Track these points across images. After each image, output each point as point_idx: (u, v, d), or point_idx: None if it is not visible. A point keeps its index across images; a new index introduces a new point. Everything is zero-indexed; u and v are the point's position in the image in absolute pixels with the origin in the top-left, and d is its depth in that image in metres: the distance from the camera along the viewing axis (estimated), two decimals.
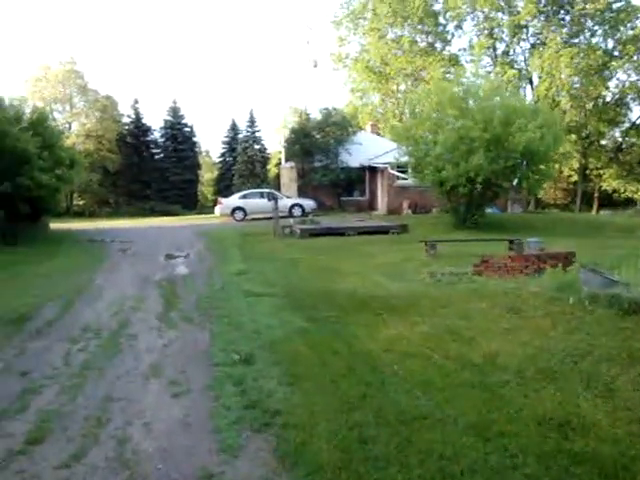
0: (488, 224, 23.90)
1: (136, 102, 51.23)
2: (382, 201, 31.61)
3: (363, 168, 33.63)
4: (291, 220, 23.77)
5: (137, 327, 7.84)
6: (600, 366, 5.60)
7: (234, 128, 54.75)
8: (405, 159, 25.08)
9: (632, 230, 25.31)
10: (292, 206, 28.71)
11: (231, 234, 21.76)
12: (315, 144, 33.23)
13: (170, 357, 6.45)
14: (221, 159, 56.10)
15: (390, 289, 10.02)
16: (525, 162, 22.07)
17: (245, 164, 49.11)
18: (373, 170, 32.92)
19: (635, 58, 44.22)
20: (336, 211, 32.00)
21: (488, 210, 25.62)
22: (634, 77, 46.32)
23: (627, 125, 48.01)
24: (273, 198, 21.35)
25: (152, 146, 52.38)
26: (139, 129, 51.03)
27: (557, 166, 23.67)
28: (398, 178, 30.32)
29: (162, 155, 51.87)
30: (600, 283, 8.44)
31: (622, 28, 44.85)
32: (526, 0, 44.06)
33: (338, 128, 32.99)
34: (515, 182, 23.66)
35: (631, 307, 7.33)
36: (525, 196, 30.61)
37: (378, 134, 39.89)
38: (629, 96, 46.82)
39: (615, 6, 44.12)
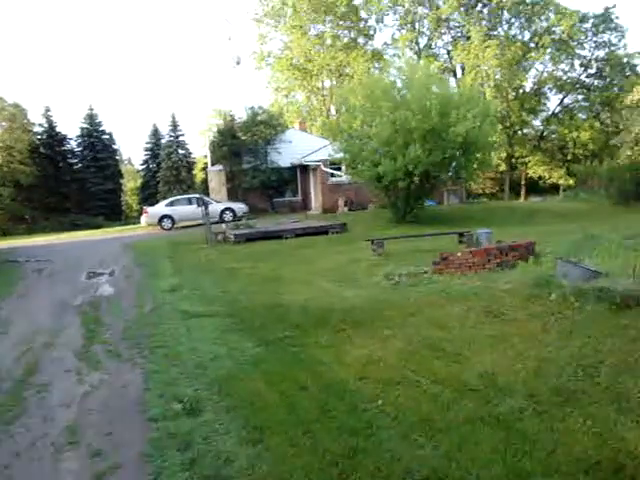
0: (428, 217, 23.34)
1: (48, 110, 47.96)
2: (316, 200, 30.60)
3: (294, 167, 32.48)
4: (223, 225, 22.32)
5: (50, 371, 6.35)
6: (622, 378, 4.67)
7: (156, 133, 52.32)
8: (339, 155, 24.12)
9: (566, 215, 25.45)
10: (223, 211, 27.21)
11: (160, 244, 20.08)
12: (243, 145, 31.79)
13: (92, 413, 5.05)
14: (144, 166, 53.48)
15: (346, 298, 8.92)
16: (463, 152, 21.55)
17: (170, 170, 46.94)
18: (305, 169, 31.86)
19: (549, 50, 45.36)
20: (269, 213, 30.71)
21: (426, 203, 25.07)
22: (550, 67, 47.67)
23: (548, 114, 49.11)
24: (203, 203, 19.85)
25: (69, 156, 49.17)
26: (53, 138, 47.75)
27: (493, 155, 23.29)
28: (332, 175, 29.38)
29: (80, 165, 48.79)
30: (580, 275, 7.65)
31: (537, 20, 45.89)
32: None
33: (266, 127, 31.63)
34: (453, 173, 23.14)
35: (623, 301, 6.54)
36: (461, 187, 30.37)
37: (307, 132, 38.84)
38: (547, 86, 47.97)
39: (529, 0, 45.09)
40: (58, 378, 6.06)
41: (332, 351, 6.24)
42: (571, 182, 47.92)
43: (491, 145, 22.82)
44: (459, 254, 10.39)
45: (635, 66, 46.14)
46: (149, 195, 47.70)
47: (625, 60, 45.22)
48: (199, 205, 20.18)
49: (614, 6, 44.33)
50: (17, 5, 79.22)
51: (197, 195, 28.49)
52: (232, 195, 31.74)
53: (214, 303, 9.15)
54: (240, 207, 28.20)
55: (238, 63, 31.95)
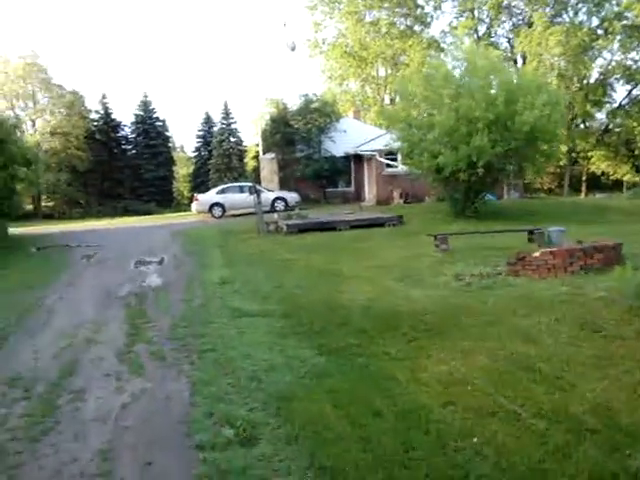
0: (488, 212, 22.04)
1: (104, 97, 48.49)
2: (370, 191, 29.63)
3: (348, 157, 31.60)
4: (275, 215, 21.64)
5: (87, 374, 5.71)
6: None
7: (208, 121, 52.26)
8: (397, 145, 23.07)
9: (637, 213, 23.75)
10: (275, 200, 26.62)
11: (210, 233, 19.58)
12: (296, 133, 31.07)
13: (130, 432, 4.34)
14: (196, 154, 53.58)
15: (413, 299, 8.01)
16: (528, 143, 20.18)
17: (221, 158, 46.83)
18: (359, 159, 30.90)
19: (619, 37, 42.79)
20: (321, 203, 29.93)
21: (486, 197, 23.78)
22: (618, 56, 45.04)
23: (614, 106, 46.48)
24: (255, 192, 19.20)
25: (123, 142, 49.68)
26: (109, 125, 48.27)
27: (560, 147, 21.84)
28: (388, 166, 28.36)
29: (134, 151, 49.22)
30: None
31: (607, 5, 43.33)
32: None
33: (320, 115, 30.81)
34: (517, 165, 21.79)
35: None
36: (522, 181, 28.88)
37: (361, 121, 37.84)
38: (614, 76, 45.32)
39: None
40: (96, 383, 5.41)
41: (406, 365, 5.38)
42: (637, 179, 45.48)
43: (560, 137, 21.33)
44: (537, 254, 9.32)
45: None
46: (200, 182, 47.70)
47: None
48: (251, 193, 19.56)
49: None
50: None
51: (249, 183, 27.98)
52: (284, 184, 31.11)
53: (268, 300, 8.39)
54: (292, 196, 27.55)
55: (293, 49, 31.17)
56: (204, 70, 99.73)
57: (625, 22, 42.11)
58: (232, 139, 48.30)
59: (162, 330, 7.13)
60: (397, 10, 46.12)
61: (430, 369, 5.26)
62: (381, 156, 28.12)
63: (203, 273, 11.43)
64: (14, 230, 23.37)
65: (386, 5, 45.29)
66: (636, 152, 46.42)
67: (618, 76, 44.85)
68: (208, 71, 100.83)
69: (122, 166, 47.40)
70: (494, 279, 9.02)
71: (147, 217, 32.93)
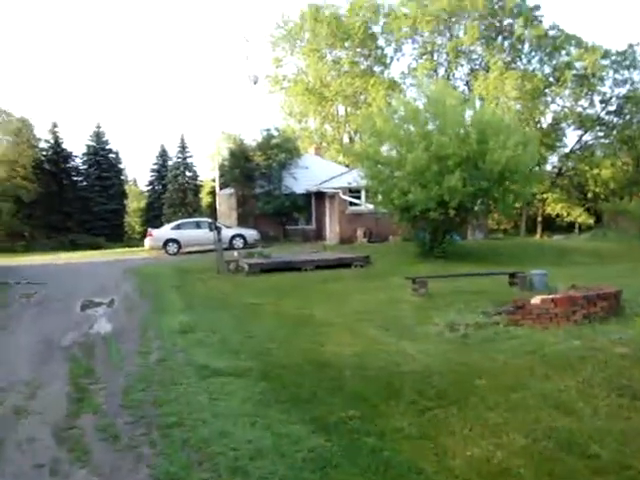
0: (456, 253, 21.40)
1: (55, 126, 46.48)
2: (332, 230, 28.73)
3: (309, 194, 30.72)
4: (235, 253, 20.41)
5: (14, 463, 4.37)
6: None
7: (163, 155, 50.81)
8: (363, 183, 22.36)
9: (602, 255, 23.65)
10: (233, 237, 25.41)
11: (166, 271, 18.18)
12: (256, 169, 30.09)
13: None
14: (149, 187, 51.88)
15: (408, 354, 6.97)
16: (499, 183, 19.75)
17: (176, 192, 45.37)
18: (321, 196, 30.05)
19: (569, 85, 44.07)
20: (281, 241, 28.81)
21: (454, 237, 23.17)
22: (569, 103, 46.37)
23: (566, 150, 47.59)
24: (216, 228, 17.98)
25: (73, 173, 47.56)
26: (59, 155, 46.18)
27: (531, 187, 21.52)
28: (351, 204, 27.59)
29: (85, 183, 47.16)
30: None
31: (557, 55, 44.80)
32: (469, 25, 43.26)
33: (281, 151, 29.96)
34: (487, 205, 21.33)
35: None
36: (485, 221, 28.57)
37: (323, 158, 37.23)
38: (565, 122, 46.57)
39: (551, 33, 44.01)
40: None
41: (427, 448, 4.28)
42: (591, 221, 46.28)
43: (531, 177, 21.02)
44: (537, 301, 8.45)
45: None
46: (153, 217, 45.99)
47: None
48: (211, 229, 18.34)
49: (638, 44, 43.14)
50: (27, 18, 78.61)
51: (206, 219, 26.75)
52: (243, 221, 29.92)
53: (239, 354, 7.17)
54: (251, 234, 26.44)
55: (255, 82, 30.43)
56: (160, 102, 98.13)
57: (575, 72, 43.41)
58: (188, 173, 47.01)
59: (114, 394, 5.80)
60: (358, 50, 46.34)
61: (459, 453, 4.17)
62: (344, 194, 27.36)
63: (160, 318, 10.11)
64: None
65: (347, 45, 45.45)
66: (589, 195, 47.43)
67: (569, 122, 46.04)
68: (164, 103, 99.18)
69: (71, 198, 45.21)
70: (493, 330, 8.08)
71: (96, 252, 31.03)
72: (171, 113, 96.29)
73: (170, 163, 48.91)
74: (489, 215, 25.36)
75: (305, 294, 13.10)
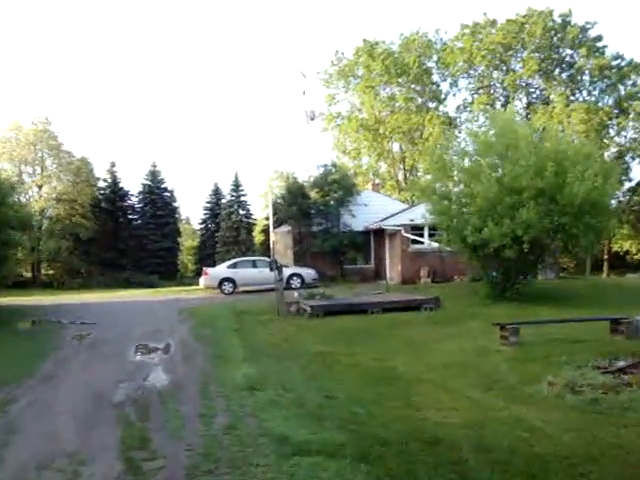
0: (529, 295, 19.68)
1: (113, 165, 47.05)
2: (392, 269, 27.33)
3: (368, 232, 29.54)
4: (295, 294, 19.28)
5: None
6: None
7: (217, 193, 50.70)
8: (430, 219, 21.06)
9: None
10: (290, 276, 24.39)
11: (223, 312, 17.21)
12: (313, 206, 29.19)
13: None
14: (202, 225, 51.69)
15: (534, 428, 5.57)
16: (576, 217, 18.10)
17: (229, 230, 44.93)
18: (380, 234, 28.80)
19: (631, 116, 41.97)
20: (338, 281, 27.57)
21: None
22: (632, 135, 44.17)
23: (631, 184, 45.11)
24: (277, 267, 16.96)
25: (129, 212, 47.86)
26: (115, 194, 46.60)
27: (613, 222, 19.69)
28: (414, 242, 26.24)
29: (140, 221, 47.32)
30: None
31: (621, 86, 42.87)
32: (526, 57, 42.01)
33: (339, 187, 29.01)
34: (564, 242, 19.60)
35: None
36: (558, 260, 26.69)
37: (381, 194, 36.14)
38: (629, 154, 44.32)
39: (614, 63, 42.25)
40: None
41: None
42: None
43: (612, 211, 19.26)
44: None
45: None
46: (206, 255, 45.58)
47: None
48: (271, 269, 17.31)
49: None
50: (85, 59, 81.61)
51: (264, 258, 25.91)
52: (299, 259, 28.93)
53: (323, 421, 5.92)
54: (309, 273, 25.40)
55: (313, 118, 29.62)
56: (214, 140, 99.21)
57: (638, 102, 41.35)
58: (241, 211, 46.60)
59: (174, 477, 4.65)
60: (412, 86, 45.60)
61: None
62: (407, 231, 26.06)
63: (221, 369, 8.98)
64: (3, 300, 21.08)
65: (401, 81, 44.76)
66: None
67: (632, 155, 43.74)
68: (218, 141, 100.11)
69: (127, 236, 45.38)
70: (628, 394, 6.58)
71: (150, 290, 30.52)
72: (225, 151, 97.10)
73: (223, 201, 48.70)
74: (572, 252, 23.50)
75: (377, 341, 11.81)
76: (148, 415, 6.54)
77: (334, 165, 30.89)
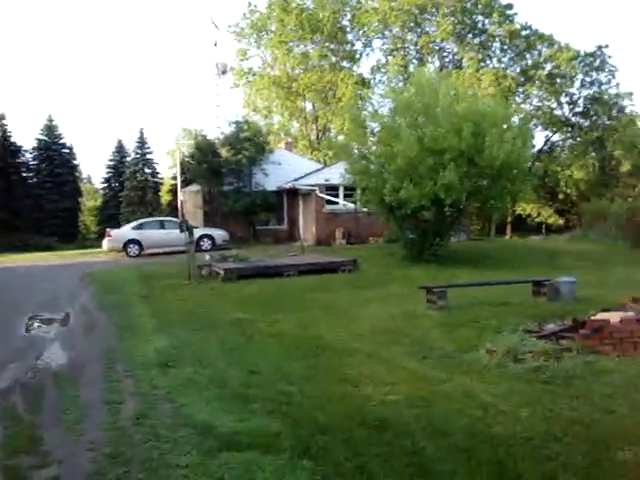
0: (445, 256, 19.77)
1: (2, 118, 43.01)
2: (306, 230, 26.75)
3: (281, 192, 28.70)
4: (207, 257, 18.20)
5: None
6: None
7: (121, 150, 47.68)
8: (343, 180, 20.57)
9: (591, 258, 22.41)
10: (200, 237, 23.20)
11: (129, 277, 15.95)
12: (225, 164, 27.85)
13: None
14: (105, 185, 48.67)
15: (486, 402, 5.10)
16: (494, 180, 18.18)
17: (134, 190, 42.54)
18: (294, 194, 28.06)
19: (537, 84, 43.44)
20: (251, 243, 26.63)
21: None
22: (537, 103, 45.84)
23: (534, 150, 46.91)
24: (187, 229, 15.80)
25: (23, 169, 44.09)
26: (6, 149, 42.68)
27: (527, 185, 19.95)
28: (328, 203, 25.71)
29: (35, 180, 43.78)
30: None
31: (528, 54, 44.11)
32: (441, 21, 41.99)
33: (251, 145, 27.80)
34: (481, 205, 19.77)
35: None
36: (469, 222, 27.14)
37: (295, 153, 35.22)
38: (533, 122, 45.94)
39: (523, 33, 43.24)
40: None
41: None
42: (561, 222, 45.71)
43: (530, 174, 19.55)
44: (619, 321, 6.72)
45: (624, 107, 44.75)
46: (109, 216, 42.99)
47: (613, 101, 43.60)
48: (181, 230, 16.11)
49: (607, 46, 42.84)
50: None
51: (173, 218, 24.52)
52: (209, 220, 27.67)
53: (250, 403, 5.12)
54: (220, 234, 24.37)
55: (224, 72, 28.20)
56: (117, 94, 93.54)
57: (545, 72, 42.81)
58: (147, 170, 44.23)
59: None
60: (327, 44, 44.53)
61: None
62: (321, 192, 25.47)
63: (129, 343, 7.96)
64: None
65: (316, 38, 43.55)
66: (560, 196, 46.82)
67: (536, 122, 45.30)
68: (121, 95, 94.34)
69: (21, 195, 41.83)
70: (571, 360, 6.28)
71: (48, 254, 28.21)
72: (130, 105, 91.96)
73: (128, 159, 45.93)
74: (488, 214, 23.86)
75: (298, 306, 11.13)
76: (40, 405, 5.48)
77: (246, 122, 29.53)
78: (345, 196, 25.55)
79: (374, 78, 45.95)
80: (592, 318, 6.94)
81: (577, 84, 43.61)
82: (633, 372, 5.78)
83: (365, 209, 22.46)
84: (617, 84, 43.05)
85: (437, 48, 44.78)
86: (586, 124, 44.81)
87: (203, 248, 22.54)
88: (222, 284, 14.55)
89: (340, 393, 5.44)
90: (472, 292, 11.91)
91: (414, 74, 21.88)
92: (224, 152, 28.14)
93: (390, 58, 44.87)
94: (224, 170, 27.83)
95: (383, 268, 17.95)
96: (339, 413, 4.86)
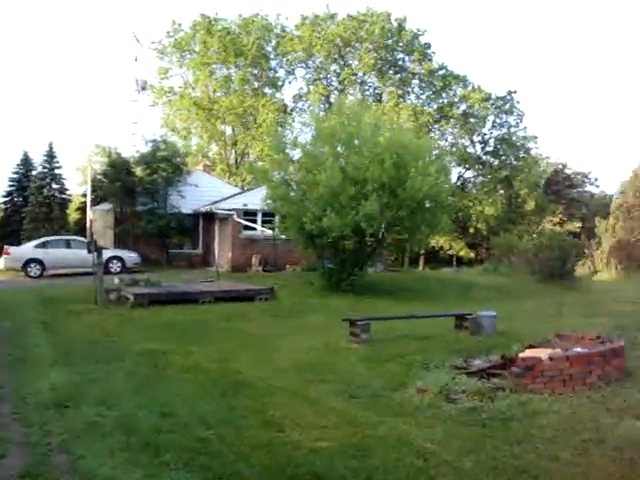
0: (363, 286, 19.67)
1: None
2: (222, 256, 25.89)
3: (197, 215, 27.79)
4: (116, 280, 17.07)
5: None
6: None
7: (27, 163, 44.58)
8: (262, 205, 20.15)
9: (501, 290, 23.10)
10: (110, 259, 21.95)
11: (27, 300, 14.58)
12: (139, 183, 26.62)
13: None
14: (7, 199, 45.37)
15: (425, 449, 4.70)
16: (414, 212, 18.29)
17: (40, 206, 39.80)
18: (210, 218, 27.23)
19: (451, 122, 45.22)
20: (163, 267, 25.47)
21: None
22: (451, 140, 47.61)
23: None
24: (96, 249, 14.69)
25: None
26: None
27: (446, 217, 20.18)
28: (245, 228, 25.08)
29: None
30: None
31: (444, 93, 45.89)
32: (364, 54, 42.90)
33: (168, 165, 26.78)
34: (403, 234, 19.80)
35: None
36: (387, 253, 27.24)
37: (213, 176, 34.34)
38: (447, 158, 47.65)
39: (440, 73, 44.92)
40: None
41: None
42: (472, 254, 47.29)
43: (450, 206, 19.89)
44: (547, 359, 6.58)
45: (529, 149, 47.37)
46: (11, 233, 40.00)
47: (520, 143, 46.13)
48: (89, 251, 14.98)
49: (515, 91, 45.66)
50: None
51: (80, 238, 23.06)
52: (120, 241, 26.25)
53: (162, 455, 4.40)
54: (131, 256, 23.19)
55: (144, 88, 27.10)
56: (25, 103, 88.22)
57: (458, 111, 44.66)
58: (55, 185, 41.64)
59: None
60: (249, 70, 44.26)
61: None
62: (239, 216, 24.82)
63: (21, 378, 6.99)
64: None
65: (239, 62, 43.19)
66: (471, 230, 48.48)
67: (450, 159, 46.93)
68: (30, 105, 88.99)
69: None
70: (505, 400, 6.03)
71: None
72: (39, 116, 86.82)
73: (34, 173, 43.11)
74: (404, 245, 24.04)
75: (215, 337, 10.45)
76: None
77: (164, 141, 28.46)
78: (263, 222, 25.07)
79: (296, 106, 46.14)
80: (521, 355, 6.75)
81: (489, 125, 45.64)
82: (566, 413, 5.61)
83: (283, 236, 22.05)
84: (524, 128, 45.48)
85: (359, 81, 45.58)
86: (496, 163, 46.86)
87: (112, 270, 21.38)
88: (132, 310, 13.57)
89: (265, 439, 4.86)
90: (394, 325, 11.69)
91: (337, 102, 21.90)
92: (139, 171, 26.91)
93: (312, 87, 45.21)
94: (138, 190, 26.56)
95: (301, 297, 17.54)
96: (266, 465, 4.29)
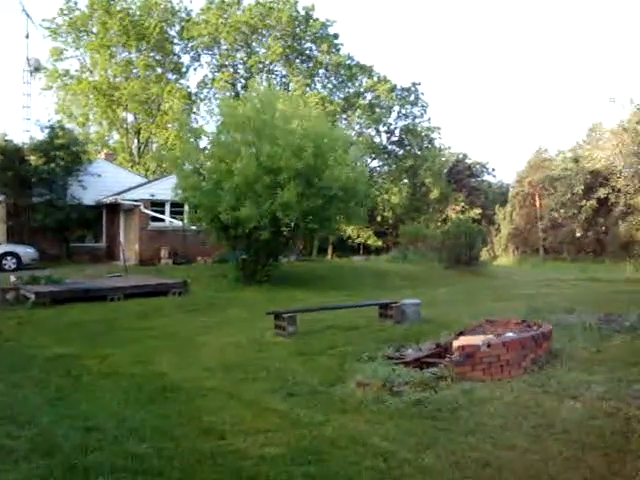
0: (278, 277, 19.40)
1: None
2: (130, 249, 24.66)
3: (100, 206, 26.27)
4: (12, 277, 15.67)
5: None
6: None
7: None
8: (170, 195, 19.30)
9: (412, 278, 23.59)
10: (3, 255, 20.39)
11: None
12: (34, 173, 24.71)
13: None
14: None
15: (381, 448, 4.45)
16: (330, 201, 18.14)
17: None
18: (114, 209, 25.86)
19: (358, 112, 45.73)
20: (64, 262, 23.90)
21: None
22: (358, 130, 48.12)
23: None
24: None
25: None
26: None
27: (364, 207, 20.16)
28: (154, 220, 24.00)
29: None
30: None
31: (350, 84, 46.28)
32: (271, 43, 42.29)
33: (67, 153, 25.11)
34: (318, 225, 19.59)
35: None
36: (300, 242, 27.04)
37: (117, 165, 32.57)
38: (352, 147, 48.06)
39: (347, 62, 45.16)
40: None
41: None
42: (379, 243, 48.15)
43: (367, 196, 19.88)
44: (486, 347, 6.54)
45: (433, 140, 48.81)
46: None
47: (425, 133, 47.41)
48: None
49: (419, 83, 46.84)
50: None
51: None
52: (15, 236, 24.28)
53: (93, 477, 3.92)
54: (27, 252, 21.54)
55: (37, 69, 25.02)
56: None
57: (364, 101, 45.19)
58: None
59: None
60: (152, 54, 42.39)
61: None
62: (146, 207, 23.69)
63: None
64: None
65: (141, 47, 41.22)
66: (378, 219, 49.32)
67: (356, 147, 47.40)
68: None
69: None
70: (448, 390, 5.91)
71: None
72: None
73: None
74: (316, 234, 23.89)
75: (131, 336, 9.74)
76: None
77: (62, 127, 26.58)
78: (172, 213, 24.12)
79: (201, 93, 44.81)
80: (457, 343, 6.68)
81: (394, 115, 46.45)
82: (509, 399, 5.56)
83: (193, 227, 21.29)
84: (429, 119, 46.73)
85: (266, 69, 44.93)
86: (401, 152, 47.83)
87: (7, 268, 19.82)
88: (33, 311, 12.47)
89: (207, 450, 4.41)
90: (319, 316, 11.45)
91: (249, 88, 21.31)
92: (34, 159, 24.99)
93: (218, 74, 44.06)
94: (34, 180, 24.67)
95: (216, 290, 16.98)
96: None
